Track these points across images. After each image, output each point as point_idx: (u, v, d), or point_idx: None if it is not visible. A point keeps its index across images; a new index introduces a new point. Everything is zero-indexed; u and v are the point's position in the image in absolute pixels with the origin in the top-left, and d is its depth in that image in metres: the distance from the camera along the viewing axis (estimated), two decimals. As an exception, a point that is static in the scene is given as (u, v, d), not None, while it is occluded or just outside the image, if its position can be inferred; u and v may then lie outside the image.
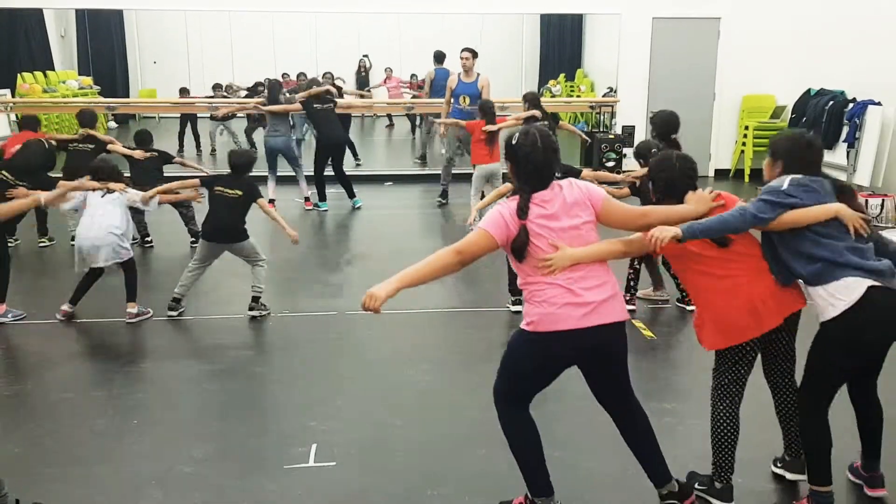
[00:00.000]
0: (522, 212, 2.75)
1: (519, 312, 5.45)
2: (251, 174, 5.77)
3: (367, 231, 8.58)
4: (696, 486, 3.26)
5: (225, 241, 5.52)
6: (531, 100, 8.31)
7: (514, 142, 2.84)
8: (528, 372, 2.86)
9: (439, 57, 11.17)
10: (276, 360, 4.85)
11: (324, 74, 12.77)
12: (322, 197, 9.30)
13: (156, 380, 4.50)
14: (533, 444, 2.93)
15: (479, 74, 9.05)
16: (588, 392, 3.01)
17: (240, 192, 5.47)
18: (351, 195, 9.41)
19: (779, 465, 3.44)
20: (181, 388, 4.38)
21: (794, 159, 3.02)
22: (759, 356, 3.20)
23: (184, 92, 14.94)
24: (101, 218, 5.37)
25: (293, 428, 3.85)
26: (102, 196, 5.47)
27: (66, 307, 5.43)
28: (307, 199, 9.35)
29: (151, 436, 3.77)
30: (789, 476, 3.37)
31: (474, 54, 8.95)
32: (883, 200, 8.52)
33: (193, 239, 7.44)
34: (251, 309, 5.52)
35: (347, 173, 9.58)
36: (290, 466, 3.47)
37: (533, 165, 2.80)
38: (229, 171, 5.65)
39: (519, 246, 2.75)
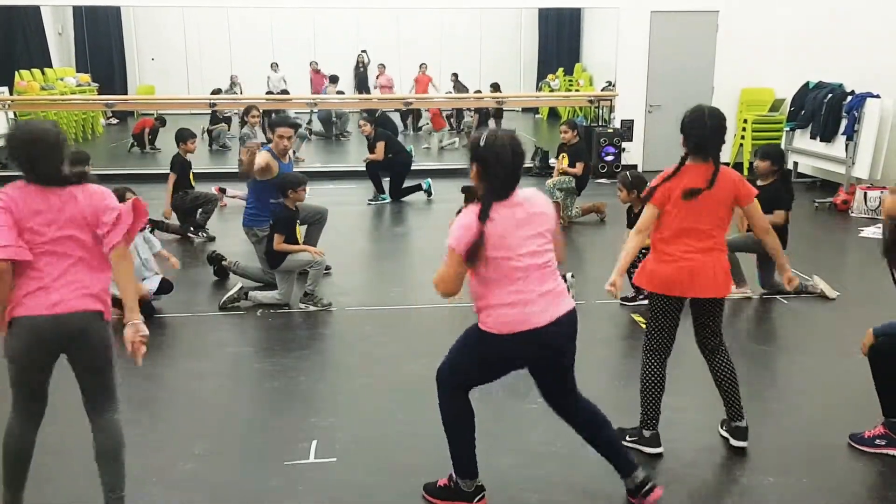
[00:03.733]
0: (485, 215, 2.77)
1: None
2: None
3: (367, 228, 8.59)
4: (627, 438, 3.48)
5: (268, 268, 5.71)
6: None
7: (481, 143, 2.82)
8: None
9: None
10: (277, 357, 4.86)
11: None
12: (381, 189, 9.69)
13: (156, 377, 4.50)
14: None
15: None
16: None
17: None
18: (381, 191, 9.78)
19: (724, 428, 3.63)
20: (181, 385, 4.39)
21: None
22: (694, 327, 3.50)
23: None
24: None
25: (294, 424, 3.86)
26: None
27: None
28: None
29: (152, 433, 3.78)
30: (733, 442, 3.53)
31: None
32: (882, 193, 8.53)
33: (192, 228, 7.70)
34: (301, 301, 5.62)
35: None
36: (291, 462, 3.47)
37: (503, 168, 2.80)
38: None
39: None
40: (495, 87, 14.43)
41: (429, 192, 9.72)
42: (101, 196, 2.80)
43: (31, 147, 2.71)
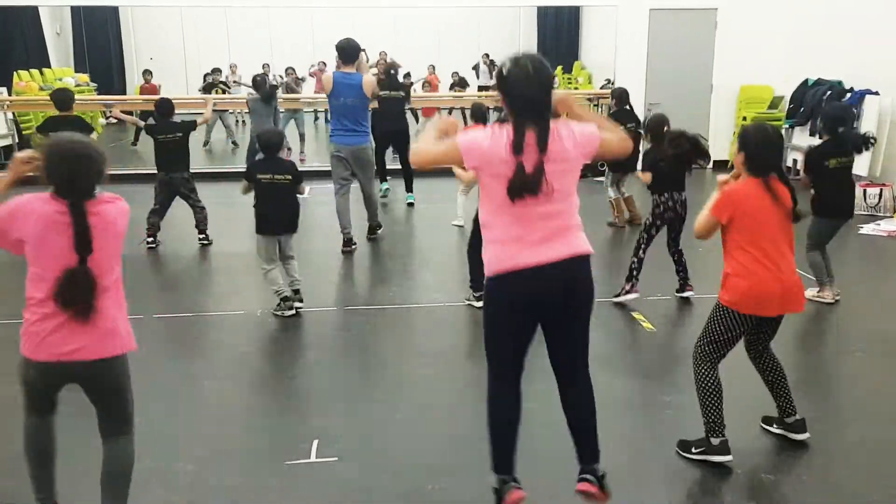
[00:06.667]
0: (518, 147, 2.60)
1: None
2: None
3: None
4: (693, 450, 3.41)
5: (287, 232, 5.42)
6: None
7: (503, 71, 2.66)
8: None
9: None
10: (276, 356, 4.86)
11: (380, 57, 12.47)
12: (382, 178, 9.47)
13: (156, 377, 4.50)
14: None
15: None
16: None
17: (290, 177, 5.38)
18: (408, 189, 9.45)
19: (776, 426, 3.62)
20: (181, 386, 4.39)
21: None
22: (746, 339, 3.52)
23: (147, 73, 15.68)
24: None
25: (294, 424, 3.86)
26: None
27: None
28: None
29: (152, 433, 3.77)
30: (796, 437, 3.54)
31: None
32: (881, 190, 8.53)
33: (202, 236, 7.41)
34: (295, 302, 5.48)
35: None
36: (292, 462, 3.47)
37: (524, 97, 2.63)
38: (263, 154, 5.49)
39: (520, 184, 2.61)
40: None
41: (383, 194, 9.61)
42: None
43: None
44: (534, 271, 2.66)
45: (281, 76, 15.59)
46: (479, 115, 7.86)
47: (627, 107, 8.42)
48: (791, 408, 3.55)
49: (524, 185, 2.60)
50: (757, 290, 3.27)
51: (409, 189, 9.48)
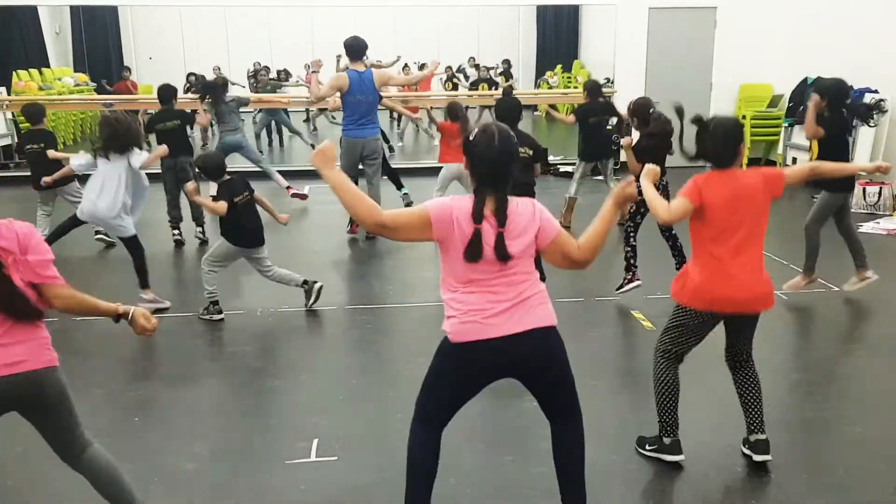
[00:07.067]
0: (478, 216, 2.58)
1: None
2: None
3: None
4: (647, 447, 3.44)
5: (257, 245, 5.45)
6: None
7: (471, 137, 2.66)
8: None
9: None
10: (276, 356, 4.86)
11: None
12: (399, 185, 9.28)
13: (156, 377, 4.50)
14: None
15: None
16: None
17: (249, 194, 5.46)
18: (399, 186, 9.26)
19: (745, 447, 3.46)
20: (181, 385, 4.39)
21: None
22: (725, 336, 3.39)
23: (126, 70, 15.74)
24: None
25: (294, 423, 3.86)
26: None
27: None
28: (288, 187, 9.42)
29: (153, 433, 3.78)
30: (756, 458, 3.37)
31: None
32: (880, 188, 8.53)
33: (200, 230, 7.51)
34: (314, 298, 5.52)
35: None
36: (292, 461, 3.48)
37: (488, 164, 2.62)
38: (213, 179, 5.47)
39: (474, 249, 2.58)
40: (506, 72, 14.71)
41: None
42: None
43: None
44: (496, 343, 2.61)
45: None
46: (454, 114, 7.87)
47: (601, 99, 8.22)
48: (758, 425, 3.38)
49: (480, 252, 2.57)
50: (708, 286, 3.19)
51: (399, 186, 9.33)
